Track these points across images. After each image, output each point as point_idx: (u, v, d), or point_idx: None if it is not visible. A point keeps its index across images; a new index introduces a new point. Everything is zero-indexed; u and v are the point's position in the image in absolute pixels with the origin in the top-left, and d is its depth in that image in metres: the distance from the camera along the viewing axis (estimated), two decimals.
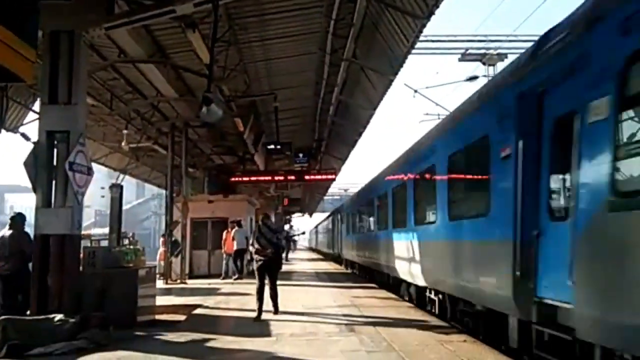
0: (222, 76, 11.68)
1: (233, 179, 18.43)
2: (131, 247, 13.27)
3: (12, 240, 7.49)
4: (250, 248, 9.05)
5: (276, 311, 8.65)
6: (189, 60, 11.23)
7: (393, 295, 11.64)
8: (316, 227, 53.20)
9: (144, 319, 7.79)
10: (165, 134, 16.58)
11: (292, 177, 19.82)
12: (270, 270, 8.72)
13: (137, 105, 14.40)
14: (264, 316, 8.37)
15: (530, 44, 7.57)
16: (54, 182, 7.30)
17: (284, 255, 30.79)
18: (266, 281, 8.74)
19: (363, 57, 13.12)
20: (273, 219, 32.41)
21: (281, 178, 19.40)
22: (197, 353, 5.98)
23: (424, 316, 8.51)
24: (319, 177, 19.75)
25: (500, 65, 18.58)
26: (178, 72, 12.31)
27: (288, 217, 53.11)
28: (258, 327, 7.66)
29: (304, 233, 55.21)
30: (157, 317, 8.36)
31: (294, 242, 50.49)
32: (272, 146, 18.64)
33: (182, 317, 8.55)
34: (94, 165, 19.56)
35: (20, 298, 7.31)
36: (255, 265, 8.90)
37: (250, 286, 13.72)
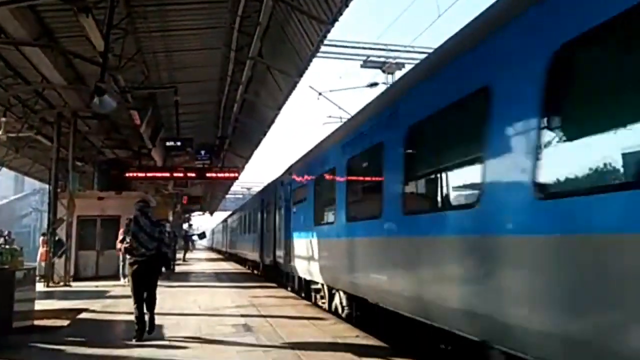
0: (117, 65, 10.99)
1: (128, 174, 17.37)
2: (6, 246, 11.99)
3: None
4: (119, 245, 7.06)
5: (151, 329, 6.79)
6: (80, 46, 10.42)
7: (292, 294, 11.79)
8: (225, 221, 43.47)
9: (20, 324, 7.14)
10: (51, 124, 15.22)
11: (193, 175, 19.16)
12: (150, 276, 6.87)
13: (18, 91, 13.05)
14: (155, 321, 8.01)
15: (424, 56, 8.11)
16: None
17: (179, 256, 29.86)
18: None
19: (269, 57, 13.13)
20: (171, 218, 31.37)
21: (181, 175, 18.66)
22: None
23: (320, 314, 8.72)
24: (221, 175, 19.31)
25: (398, 74, 19.67)
26: (68, 58, 11.37)
27: (187, 215, 51.38)
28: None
29: (204, 235, 53.19)
30: (36, 322, 7.70)
31: (192, 241, 48.97)
32: (171, 142, 17.90)
33: (65, 323, 7.93)
34: None
35: None
36: (128, 270, 7.03)
37: None
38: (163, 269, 7.10)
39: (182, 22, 11.09)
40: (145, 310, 6.77)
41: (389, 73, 20.36)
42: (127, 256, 7.02)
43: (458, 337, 4.47)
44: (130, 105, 13.32)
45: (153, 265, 6.84)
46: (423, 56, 7.66)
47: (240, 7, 10.42)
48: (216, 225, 58.90)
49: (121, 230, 7.09)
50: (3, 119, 13.47)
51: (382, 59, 20.34)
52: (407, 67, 19.55)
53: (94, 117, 15.20)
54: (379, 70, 20.90)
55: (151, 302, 6.89)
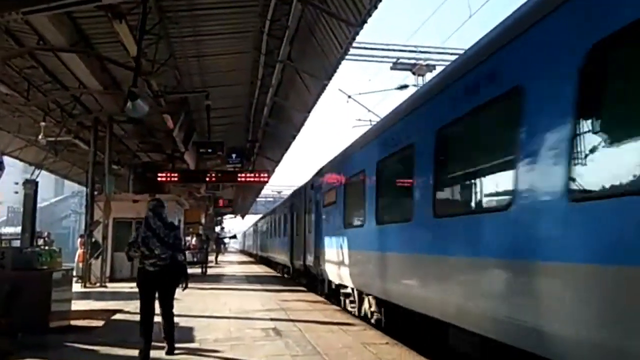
0: (150, 70, 11.20)
1: (161, 177, 17.72)
2: (46, 247, 12.41)
3: None
4: (128, 250, 5.92)
5: (171, 350, 5.88)
6: (115, 52, 10.68)
7: (321, 299, 11.73)
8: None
9: (57, 324, 7.32)
10: (88, 128, 15.70)
11: (224, 178, 19.40)
12: (163, 288, 5.81)
13: (56, 96, 13.52)
14: (186, 322, 8.10)
15: (456, 57, 7.96)
16: None
17: (211, 258, 30.22)
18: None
19: (298, 60, 13.16)
20: (203, 221, 31.85)
21: (212, 178, 18.90)
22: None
23: (349, 319, 8.63)
24: (251, 178, 19.47)
25: (429, 76, 19.39)
26: (103, 64, 11.69)
27: (219, 218, 52.11)
28: (180, 332, 7.40)
29: (235, 237, 53.74)
30: (73, 322, 7.89)
31: (224, 244, 49.57)
32: (203, 145, 18.16)
33: (100, 323, 8.10)
34: (7, 159, 18.28)
35: None
36: (138, 281, 5.84)
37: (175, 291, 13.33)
38: (180, 284, 6.07)
39: (213, 27, 11.22)
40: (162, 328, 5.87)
41: (419, 75, 20.12)
42: (139, 264, 5.82)
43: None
44: (164, 109, 13.60)
45: (167, 278, 5.79)
46: (454, 57, 7.47)
47: (269, 11, 10.47)
48: (247, 229, 59.54)
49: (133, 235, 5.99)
50: (43, 124, 13.96)
51: (412, 61, 20.13)
52: (438, 69, 19.27)
53: (129, 121, 15.56)
54: (409, 73, 20.69)
55: (169, 320, 5.90)
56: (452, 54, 17.75)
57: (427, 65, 19.29)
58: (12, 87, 11.99)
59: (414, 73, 19.67)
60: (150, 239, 5.65)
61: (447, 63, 10.67)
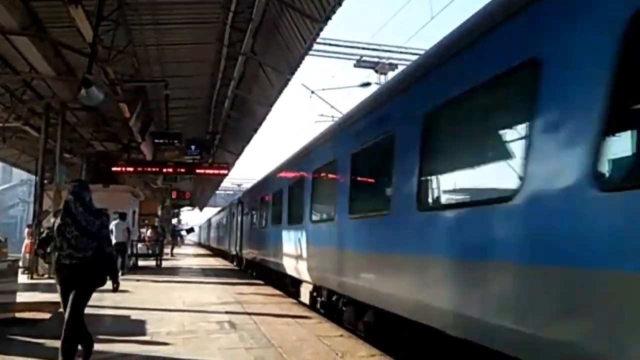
0: (107, 57, 10.87)
1: (116, 168, 17.24)
2: None
3: None
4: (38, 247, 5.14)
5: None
6: (70, 37, 10.29)
7: (278, 292, 11.78)
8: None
9: (1, 317, 7.05)
10: (39, 115, 15.05)
11: (182, 170, 19.08)
12: (78, 286, 4.64)
13: (6, 80, 12.89)
14: (138, 315, 7.98)
15: (416, 57, 8.16)
16: None
17: (166, 251, 29.75)
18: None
19: (261, 54, 13.09)
20: (159, 213, 31.14)
21: (170, 170, 18.56)
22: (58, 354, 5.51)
23: (305, 312, 8.72)
24: (211, 171, 19.24)
25: (391, 74, 19.70)
26: (57, 49, 11.22)
27: (177, 210, 51.12)
28: (132, 325, 7.29)
29: (192, 230, 52.82)
30: (18, 315, 7.61)
31: (181, 237, 48.72)
32: (161, 136, 17.79)
33: (47, 315, 7.84)
34: None
35: None
36: (55, 278, 4.83)
37: (128, 283, 13.05)
38: (108, 281, 4.96)
39: (174, 15, 11.00)
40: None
41: (381, 73, 20.39)
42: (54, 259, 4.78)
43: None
44: (120, 98, 13.21)
45: (86, 274, 4.64)
46: (415, 57, 7.68)
47: (233, 2, 10.38)
48: (203, 222, 59.26)
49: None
50: None
51: (375, 59, 20.38)
52: (400, 68, 19.62)
53: (83, 109, 15.02)
54: (372, 71, 20.93)
55: (76, 326, 4.64)
56: (414, 54, 18.09)
57: (390, 64, 19.59)
58: None
59: (376, 71, 19.94)
60: (67, 227, 4.61)
61: (409, 62, 10.92)
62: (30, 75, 12.46)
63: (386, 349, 5.87)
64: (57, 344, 5.95)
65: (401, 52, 20.20)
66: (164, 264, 20.98)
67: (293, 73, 12.85)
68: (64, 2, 8.19)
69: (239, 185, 55.88)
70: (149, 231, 23.22)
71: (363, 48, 20.43)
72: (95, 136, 18.57)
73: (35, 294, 10.36)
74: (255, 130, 19.74)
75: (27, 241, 15.86)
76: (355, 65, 20.99)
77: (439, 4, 27.95)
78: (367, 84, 19.65)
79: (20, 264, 13.33)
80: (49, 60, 11.04)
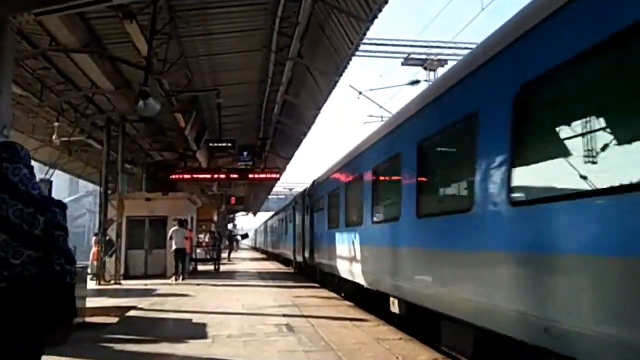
0: (162, 70, 11.28)
1: (174, 176, 17.87)
2: None
3: None
4: None
5: None
6: (127, 52, 10.76)
7: (334, 295, 11.74)
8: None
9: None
10: (101, 128, 15.85)
11: (236, 176, 19.49)
12: (7, 332, 2.39)
13: (70, 97, 13.65)
14: (199, 319, 8.17)
15: (467, 52, 7.85)
16: None
17: (224, 255, 30.49)
18: None
19: (309, 57, 13.15)
20: (215, 219, 32.05)
21: (224, 176, 19.01)
22: (128, 357, 5.73)
23: (362, 315, 8.62)
24: (263, 176, 19.53)
25: (441, 71, 19.25)
26: (115, 64, 11.78)
27: (232, 216, 52.39)
28: (194, 329, 7.47)
29: (247, 236, 53.73)
30: (88, 319, 7.96)
31: (237, 242, 49.84)
32: (215, 143, 18.25)
33: (115, 320, 8.20)
34: None
35: None
36: None
37: (189, 287, 13.44)
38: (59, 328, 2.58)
39: (223, 25, 11.25)
40: None
41: (431, 70, 20.00)
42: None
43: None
44: (175, 108, 13.69)
45: (20, 310, 2.42)
46: (466, 52, 7.38)
47: (279, 8, 10.47)
48: (259, 227, 60.06)
49: None
50: (56, 124, 14.13)
51: (423, 57, 20.02)
52: (451, 64, 19.15)
53: (141, 120, 15.68)
54: (420, 68, 20.58)
55: None
56: (464, 48, 17.62)
57: (439, 60, 19.16)
58: (26, 88, 12.12)
59: (425, 68, 19.57)
60: None
61: (460, 58, 10.58)
62: (92, 91, 13.13)
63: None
64: (125, 347, 6.21)
65: (451, 48, 19.75)
66: (222, 268, 21.49)
67: (341, 75, 12.81)
68: (120, 18, 8.56)
69: (290, 190, 56.50)
70: (207, 237, 23.86)
71: (411, 46, 20.14)
72: (153, 147, 19.34)
73: (103, 299, 10.86)
74: (305, 134, 19.87)
75: (94, 249, 16.67)
76: (403, 64, 20.71)
77: None
78: (417, 82, 19.30)
79: (89, 270, 14.08)
80: (108, 75, 11.59)
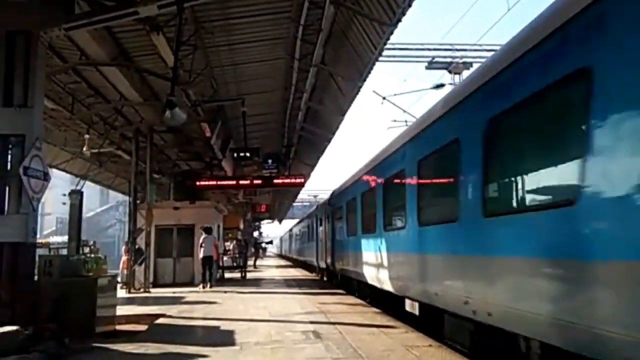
0: (187, 80, 11.48)
1: (200, 183, 18.13)
2: (92, 255, 12.85)
3: None
4: None
5: None
6: (153, 64, 11.02)
7: (360, 301, 11.63)
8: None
9: (103, 329, 7.51)
10: (129, 139, 16.20)
11: (260, 182, 19.62)
12: None
13: (99, 109, 14.03)
14: (227, 326, 8.19)
15: (492, 53, 7.73)
16: (7, 187, 6.99)
17: (250, 262, 30.71)
18: None
19: (331, 63, 13.18)
20: (241, 226, 32.39)
21: (248, 183, 19.16)
22: None
23: (390, 322, 8.51)
24: (286, 181, 19.61)
25: (466, 74, 19.02)
26: (142, 76, 12.05)
27: (257, 223, 52.72)
28: (222, 335, 7.49)
29: (271, 243, 54.03)
30: (118, 327, 8.09)
31: (263, 249, 50.09)
32: (240, 152, 18.41)
33: (144, 327, 8.29)
34: (55, 171, 19.01)
35: None
36: None
37: (216, 294, 13.53)
38: None
39: (247, 34, 11.39)
40: None
41: (455, 73, 19.79)
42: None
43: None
44: (201, 118, 13.89)
45: None
46: (491, 54, 7.28)
47: (302, 16, 10.53)
48: (283, 234, 60.30)
49: None
50: (87, 136, 14.52)
51: (448, 59, 19.84)
52: (475, 66, 18.92)
53: (168, 131, 15.99)
54: (445, 71, 20.39)
55: None
56: (489, 50, 17.38)
57: (464, 63, 18.95)
58: (57, 102, 12.51)
59: (450, 72, 19.37)
60: None
61: (484, 60, 10.43)
62: (120, 103, 13.45)
63: None
64: (154, 353, 6.28)
65: (476, 50, 19.53)
66: (248, 275, 21.60)
67: (364, 80, 12.78)
68: (147, 30, 8.75)
69: (315, 197, 56.59)
70: (233, 244, 24.04)
71: (435, 49, 20.01)
72: (180, 156, 19.67)
73: (133, 307, 11.01)
74: (329, 141, 19.88)
75: (124, 258, 16.98)
76: (427, 67, 20.57)
77: None
78: (441, 85, 19.12)
79: (119, 279, 14.34)
80: (136, 87, 11.86)
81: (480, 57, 18.45)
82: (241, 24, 10.90)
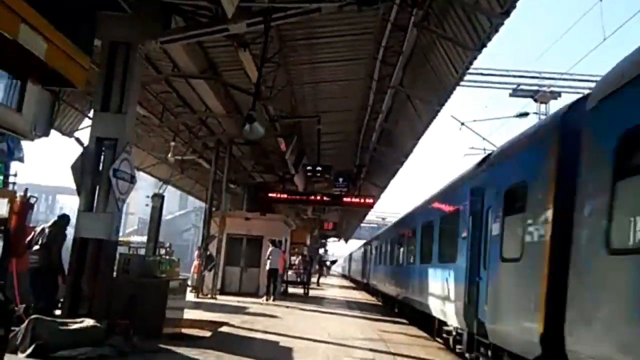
0: (268, 96, 11.83)
1: (271, 194, 18.53)
2: (167, 257, 13.45)
3: (49, 236, 7.68)
4: None
5: None
6: (238, 78, 11.45)
7: (423, 334, 11.20)
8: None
9: (169, 331, 7.73)
10: (211, 149, 16.92)
11: (329, 200, 19.69)
12: None
13: (186, 118, 14.80)
14: (286, 342, 8.16)
15: (585, 84, 7.23)
16: (97, 187, 7.48)
17: (313, 279, 30.52)
18: None
19: (410, 86, 13.01)
20: (308, 242, 32.58)
21: (319, 198, 19.30)
22: None
23: (453, 359, 8.08)
24: (356, 201, 19.51)
25: (554, 104, 18.04)
26: (227, 89, 12.57)
27: (323, 240, 52.83)
28: (280, 352, 7.48)
29: (335, 262, 53.57)
30: (183, 330, 8.32)
31: (327, 267, 50.03)
32: (312, 168, 18.62)
33: (208, 334, 8.47)
34: (141, 174, 20.28)
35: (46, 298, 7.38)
36: None
37: (278, 308, 13.62)
38: None
39: (328, 54, 11.56)
40: None
41: (542, 102, 18.82)
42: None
43: None
44: (278, 133, 14.22)
45: None
46: (582, 84, 6.87)
47: (384, 38, 10.52)
48: (347, 255, 59.47)
49: None
50: (172, 143, 15.34)
51: (534, 87, 18.93)
52: (565, 97, 17.88)
53: (246, 143, 16.52)
54: (530, 100, 19.45)
55: None
56: (581, 80, 16.38)
57: (552, 92, 17.97)
58: (149, 109, 13.35)
59: (535, 100, 18.44)
60: None
61: (574, 90, 9.80)
62: (205, 114, 14.10)
63: None
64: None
65: (565, 79, 18.46)
66: (311, 292, 21.60)
67: (443, 105, 12.46)
68: (234, 46, 9.14)
69: (383, 219, 55.77)
70: (298, 259, 24.22)
71: (520, 76, 19.17)
72: (255, 168, 20.24)
73: (200, 312, 11.32)
74: (402, 164, 19.56)
75: (195, 262, 17.60)
76: (511, 95, 19.74)
77: (613, 24, 25.01)
78: (525, 114, 18.22)
79: (189, 282, 14.86)
80: (221, 99, 12.39)
81: (569, 86, 17.44)
82: (324, 44, 11.08)
